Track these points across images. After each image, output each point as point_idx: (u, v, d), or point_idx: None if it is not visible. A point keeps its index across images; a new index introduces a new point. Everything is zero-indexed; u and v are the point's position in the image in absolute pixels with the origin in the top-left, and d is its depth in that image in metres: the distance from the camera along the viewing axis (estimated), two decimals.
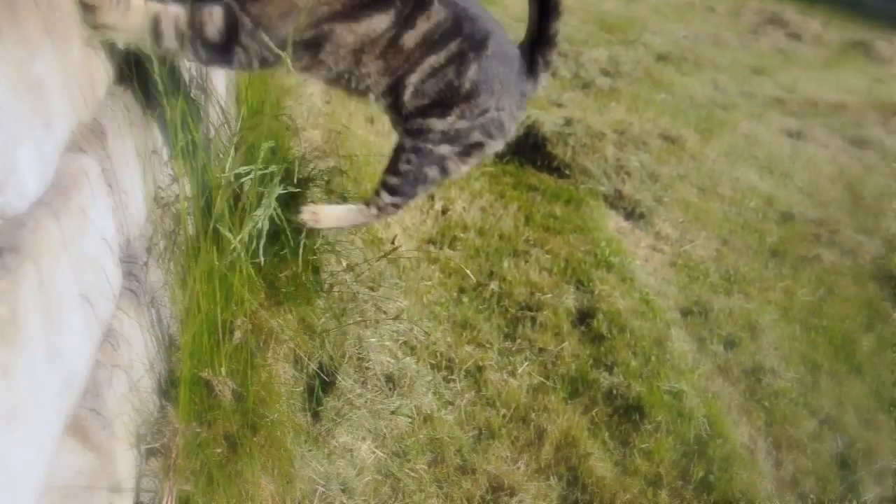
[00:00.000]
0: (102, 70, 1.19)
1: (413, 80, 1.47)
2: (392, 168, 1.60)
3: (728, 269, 3.26)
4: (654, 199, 3.67)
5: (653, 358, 2.56)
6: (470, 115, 1.52)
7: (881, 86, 6.28)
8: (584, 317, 2.74)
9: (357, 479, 1.84)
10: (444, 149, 1.56)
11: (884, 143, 4.92)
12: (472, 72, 1.48)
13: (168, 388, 1.37)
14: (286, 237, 1.76)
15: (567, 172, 3.72)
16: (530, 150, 3.81)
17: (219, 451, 1.39)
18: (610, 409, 2.34)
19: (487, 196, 3.43)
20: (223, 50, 1.32)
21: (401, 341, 2.34)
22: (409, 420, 2.08)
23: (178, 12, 1.25)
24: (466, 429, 2.16)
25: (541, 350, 2.53)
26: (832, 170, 4.45)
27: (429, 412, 2.13)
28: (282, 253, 1.82)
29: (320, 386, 1.96)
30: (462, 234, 3.08)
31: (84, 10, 1.11)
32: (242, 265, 1.51)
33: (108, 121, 1.16)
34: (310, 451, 1.81)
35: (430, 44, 1.44)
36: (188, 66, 1.63)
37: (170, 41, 1.25)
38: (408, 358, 2.28)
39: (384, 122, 2.37)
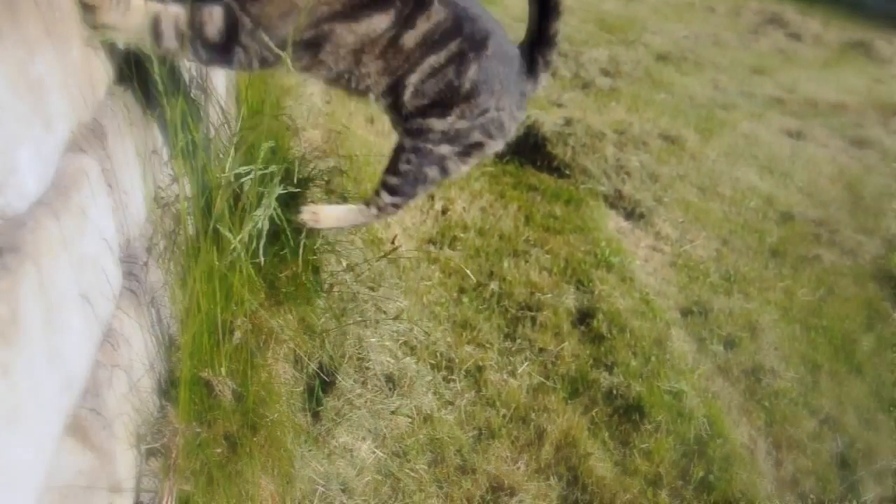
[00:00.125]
0: (102, 70, 1.19)
1: (413, 80, 1.47)
2: (392, 168, 1.60)
3: (728, 269, 3.26)
4: (654, 199, 3.67)
5: (653, 358, 2.56)
6: (470, 115, 1.52)
7: (881, 86, 6.27)
8: (584, 317, 2.74)
9: (357, 479, 1.84)
10: (444, 149, 1.56)
11: (884, 143, 4.92)
12: (472, 72, 1.48)
13: (168, 388, 1.37)
14: (286, 237, 1.76)
15: (567, 172, 3.72)
16: (530, 150, 3.81)
17: (219, 451, 1.39)
18: (610, 409, 2.34)
19: (487, 196, 3.43)
20: (223, 50, 1.32)
21: (401, 341, 2.34)
22: (409, 420, 2.08)
23: (178, 12, 1.25)
24: (466, 429, 2.16)
25: (541, 350, 2.53)
26: (832, 170, 4.45)
27: (429, 412, 2.13)
28: (282, 253, 1.82)
29: (320, 386, 1.96)
30: (462, 234, 3.08)
31: (84, 10, 1.11)
32: (242, 265, 1.51)
33: (108, 121, 1.16)
34: (310, 451, 1.81)
35: (430, 44, 1.44)
36: (188, 66, 1.63)
37: (170, 41, 1.26)
38: (408, 358, 2.28)
39: (384, 122, 2.38)
